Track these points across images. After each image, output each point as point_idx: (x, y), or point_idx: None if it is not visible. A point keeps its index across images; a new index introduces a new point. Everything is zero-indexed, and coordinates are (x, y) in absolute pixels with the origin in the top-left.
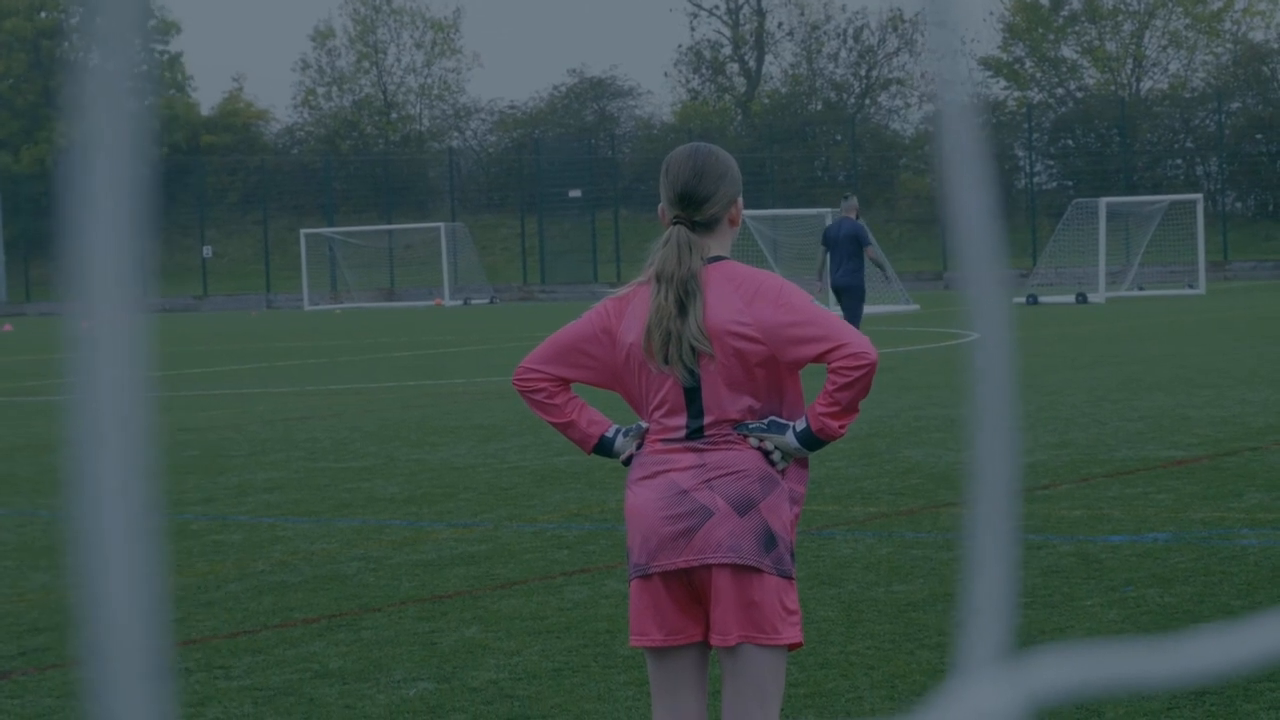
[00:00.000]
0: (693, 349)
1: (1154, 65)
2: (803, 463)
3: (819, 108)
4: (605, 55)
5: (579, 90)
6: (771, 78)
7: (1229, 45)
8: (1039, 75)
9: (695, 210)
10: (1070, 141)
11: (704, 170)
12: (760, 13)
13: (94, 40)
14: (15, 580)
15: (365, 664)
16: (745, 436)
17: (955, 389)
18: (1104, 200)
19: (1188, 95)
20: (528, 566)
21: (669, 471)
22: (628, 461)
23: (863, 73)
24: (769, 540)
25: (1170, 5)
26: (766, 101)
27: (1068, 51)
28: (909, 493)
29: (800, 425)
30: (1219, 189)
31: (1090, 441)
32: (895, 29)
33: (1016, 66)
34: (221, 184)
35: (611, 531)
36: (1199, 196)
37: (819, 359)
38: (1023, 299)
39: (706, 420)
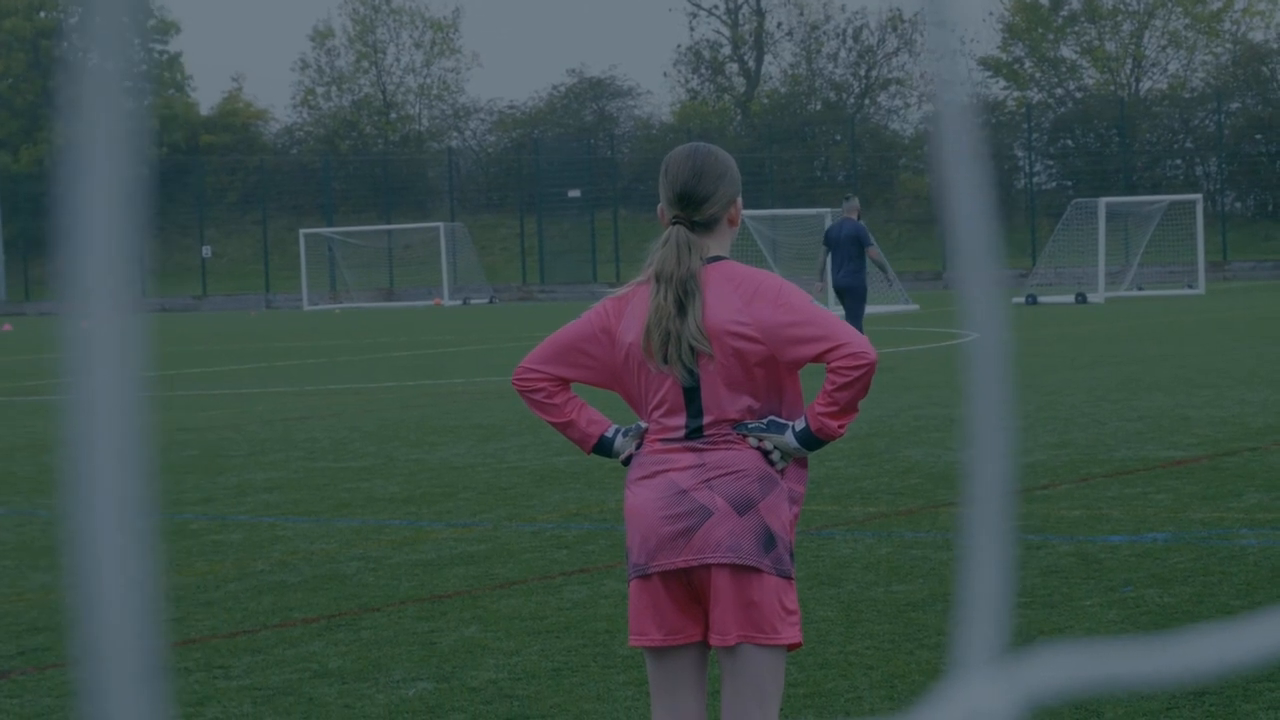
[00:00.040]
0: (692, 349)
1: (1153, 65)
2: (802, 462)
3: (818, 108)
4: (604, 55)
5: (578, 90)
6: (771, 78)
7: (1228, 45)
8: (1038, 75)
9: (694, 210)
10: (1070, 141)
11: (703, 170)
12: (759, 13)
13: (93, 40)
14: (14, 580)
15: (364, 664)
16: (744, 436)
17: (954, 389)
18: (1103, 200)
19: (1187, 95)
20: (527, 566)
21: (668, 471)
22: (627, 461)
23: (862, 73)
24: (768, 540)
25: (1170, 5)
26: (766, 101)
27: (1067, 51)
28: (908, 493)
29: (799, 425)
30: (1218, 189)
31: (1090, 441)
32: (894, 29)
33: (1016, 66)
34: (221, 184)
35: (611, 531)
36: (1198, 197)
37: (818, 359)
38: (1022, 299)
39: (706, 420)
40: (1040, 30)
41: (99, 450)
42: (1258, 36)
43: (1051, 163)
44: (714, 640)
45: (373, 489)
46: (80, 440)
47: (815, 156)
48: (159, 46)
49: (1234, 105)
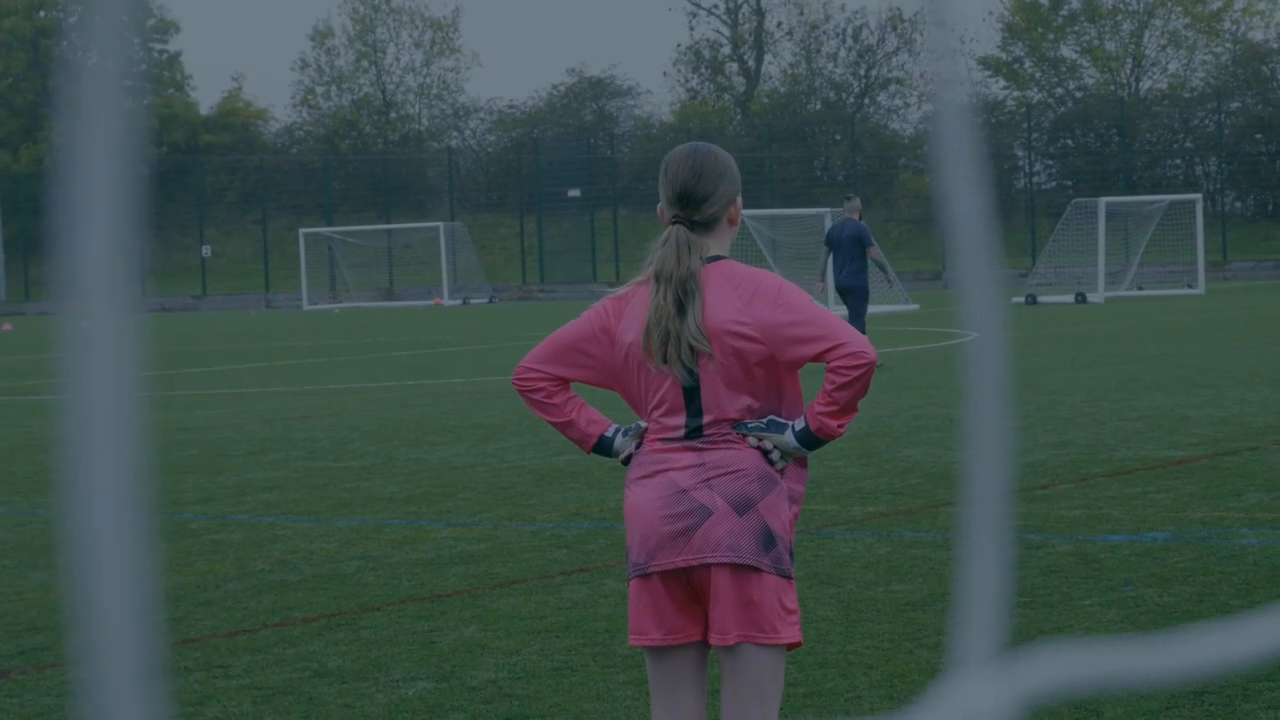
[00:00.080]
0: (691, 348)
1: (1153, 65)
2: (802, 462)
3: (818, 107)
4: (604, 55)
5: (578, 90)
6: (770, 77)
7: (1228, 45)
8: (1038, 75)
9: (694, 210)
10: (1069, 141)
11: (703, 170)
12: (759, 12)
13: (92, 39)
14: (14, 579)
15: (364, 663)
16: (744, 436)
17: (954, 389)
18: (1103, 200)
19: (1187, 95)
20: (527, 566)
21: (668, 471)
22: (627, 461)
23: (862, 72)
24: (768, 539)
25: (1169, 5)
26: (765, 101)
27: (1067, 51)
28: (908, 492)
29: (799, 424)
30: (1218, 189)
31: (1089, 441)
32: (894, 28)
33: (1016, 66)
34: (220, 183)
35: (610, 531)
36: (1198, 196)
37: (817, 358)
38: (1022, 299)
39: (705, 420)
40: (1040, 30)
41: (98, 450)
42: (1258, 36)
43: (1051, 162)
44: (714, 640)
45: (372, 488)
46: (79, 440)
47: (815, 156)
48: (159, 46)
49: (1234, 105)
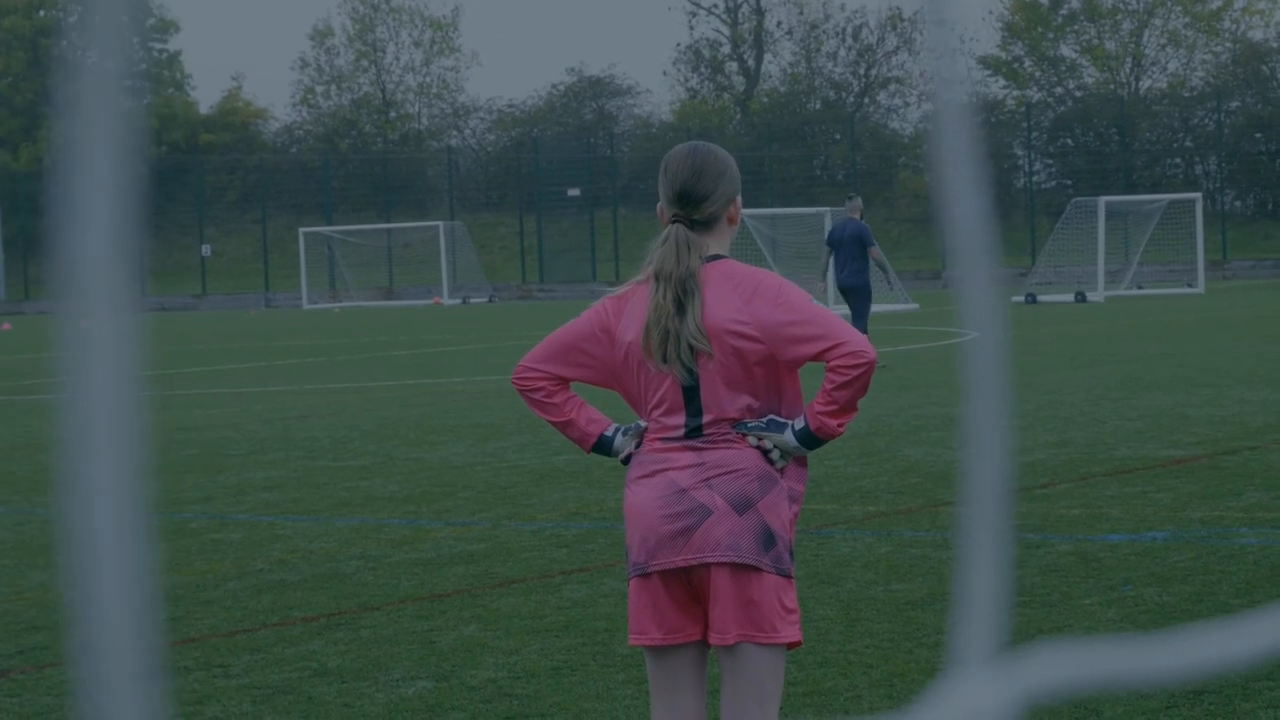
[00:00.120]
0: (691, 348)
1: (1153, 64)
2: (802, 461)
3: (818, 106)
4: (604, 54)
5: (578, 89)
6: (770, 76)
7: (1228, 44)
8: (1038, 74)
9: (694, 209)
10: (1069, 140)
11: (702, 169)
12: (759, 11)
13: (92, 38)
14: (13, 579)
15: (364, 662)
16: (744, 435)
17: (954, 388)
18: (1103, 199)
19: (1187, 94)
20: (526, 565)
21: (668, 470)
22: (627, 460)
23: (862, 71)
24: (768, 539)
25: (1169, 4)
26: (765, 100)
27: (1067, 50)
28: (908, 491)
29: (799, 424)
30: (1218, 188)
31: (1089, 440)
32: (894, 28)
33: (1015, 65)
34: (220, 183)
35: (610, 530)
36: (1198, 195)
37: (817, 358)
38: (1022, 298)
39: (705, 419)
40: (1040, 29)
41: (97, 449)
42: (1257, 35)
43: (1051, 161)
44: (714, 639)
45: (372, 488)
46: (78, 439)
47: (815, 155)
48: (158, 45)
49: (1233, 104)
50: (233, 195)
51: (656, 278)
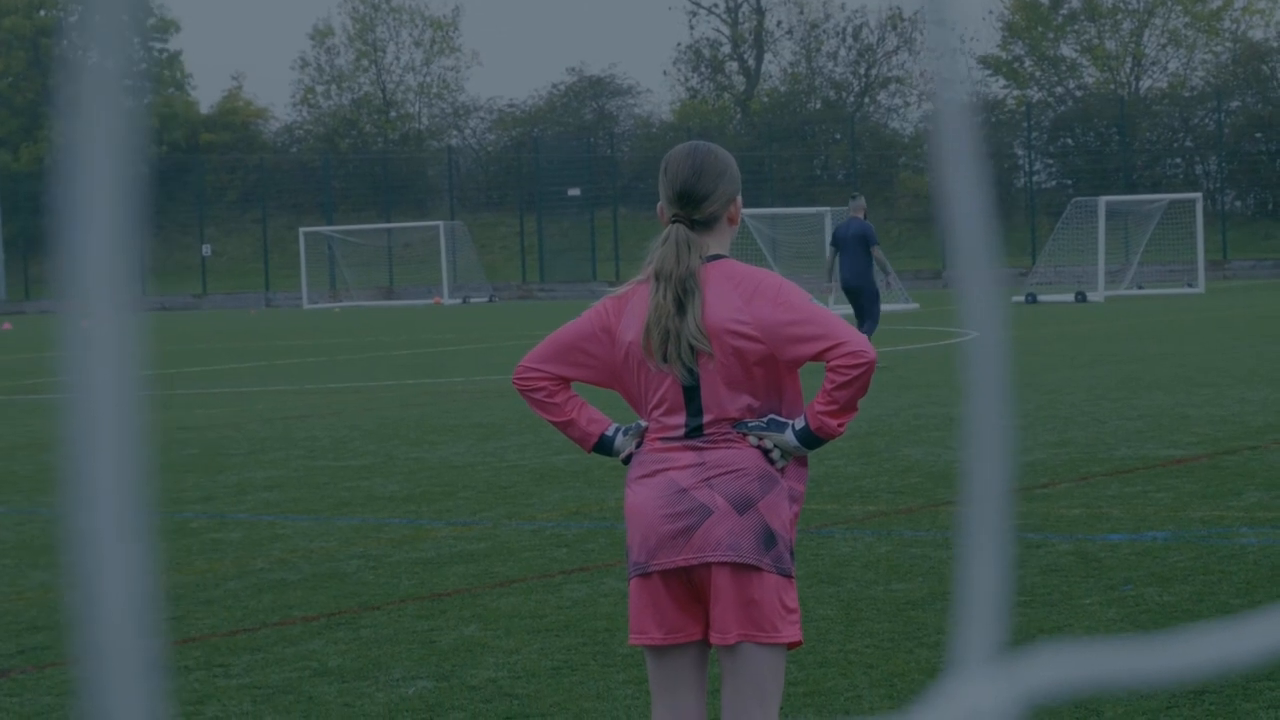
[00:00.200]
0: (691, 347)
1: (1153, 64)
2: (802, 461)
3: (818, 106)
4: (604, 53)
5: (578, 89)
6: (771, 76)
7: (1228, 44)
8: (1038, 74)
9: (694, 208)
10: (1069, 140)
11: (703, 168)
12: (759, 11)
13: (92, 38)
14: (14, 578)
15: (364, 662)
16: (744, 435)
17: (954, 387)
18: (1103, 199)
19: (1187, 94)
20: (527, 565)
21: (668, 470)
22: (627, 460)
23: (862, 71)
24: (768, 539)
25: (1169, 4)
26: (766, 100)
27: (1067, 50)
28: (908, 491)
29: (799, 424)
30: (1218, 188)
31: (1089, 440)
32: (894, 27)
33: (1016, 65)
34: (220, 182)
35: (610, 530)
36: (1198, 195)
37: (817, 357)
38: (1022, 297)
39: (706, 419)
40: (1040, 29)
41: (98, 449)
42: (1257, 35)
43: (1051, 161)
44: (714, 639)
45: (372, 487)
46: (80, 439)
47: (815, 155)
48: (159, 45)
49: (1234, 104)
50: (233, 195)
51: (657, 277)
